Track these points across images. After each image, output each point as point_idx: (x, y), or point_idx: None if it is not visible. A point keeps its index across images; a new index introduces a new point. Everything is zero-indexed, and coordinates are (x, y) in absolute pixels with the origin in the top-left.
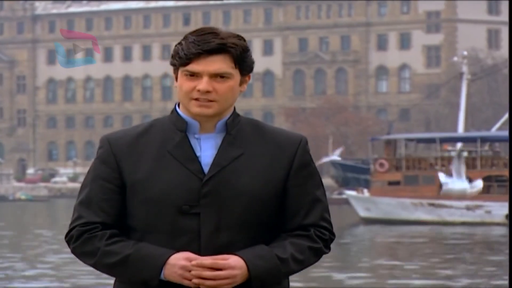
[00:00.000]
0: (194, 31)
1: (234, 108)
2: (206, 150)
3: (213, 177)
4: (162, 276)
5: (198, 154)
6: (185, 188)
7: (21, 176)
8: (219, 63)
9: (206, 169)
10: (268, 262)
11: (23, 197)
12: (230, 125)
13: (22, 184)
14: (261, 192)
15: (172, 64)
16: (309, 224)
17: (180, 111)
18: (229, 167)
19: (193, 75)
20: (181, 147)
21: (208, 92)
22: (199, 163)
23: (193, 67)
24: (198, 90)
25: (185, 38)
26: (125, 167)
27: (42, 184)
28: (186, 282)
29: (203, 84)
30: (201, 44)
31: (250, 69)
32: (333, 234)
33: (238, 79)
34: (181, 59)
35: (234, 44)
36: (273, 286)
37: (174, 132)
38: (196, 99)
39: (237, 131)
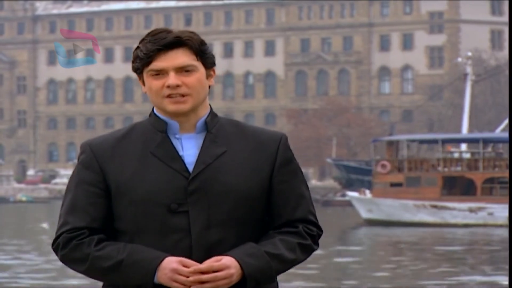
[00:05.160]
0: (148, 34)
1: (211, 108)
2: (188, 149)
3: (199, 174)
4: (155, 280)
5: (180, 153)
6: (171, 187)
7: (21, 177)
8: (181, 57)
9: (190, 167)
10: (259, 260)
11: (23, 198)
12: (210, 123)
13: (22, 186)
14: (248, 188)
15: (135, 68)
16: (298, 220)
17: (157, 113)
18: (214, 164)
19: (159, 73)
20: (163, 147)
21: (178, 86)
22: (183, 162)
23: (157, 64)
24: (168, 86)
25: (141, 41)
26: (109, 171)
27: (42, 186)
28: (175, 285)
29: (171, 79)
30: (157, 41)
31: (213, 62)
32: (321, 230)
33: (204, 72)
34: (142, 59)
35: (190, 37)
36: (266, 284)
37: (155, 133)
38: (168, 96)
39: (218, 129)
